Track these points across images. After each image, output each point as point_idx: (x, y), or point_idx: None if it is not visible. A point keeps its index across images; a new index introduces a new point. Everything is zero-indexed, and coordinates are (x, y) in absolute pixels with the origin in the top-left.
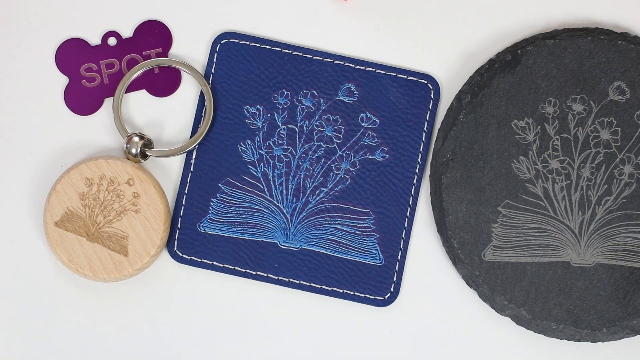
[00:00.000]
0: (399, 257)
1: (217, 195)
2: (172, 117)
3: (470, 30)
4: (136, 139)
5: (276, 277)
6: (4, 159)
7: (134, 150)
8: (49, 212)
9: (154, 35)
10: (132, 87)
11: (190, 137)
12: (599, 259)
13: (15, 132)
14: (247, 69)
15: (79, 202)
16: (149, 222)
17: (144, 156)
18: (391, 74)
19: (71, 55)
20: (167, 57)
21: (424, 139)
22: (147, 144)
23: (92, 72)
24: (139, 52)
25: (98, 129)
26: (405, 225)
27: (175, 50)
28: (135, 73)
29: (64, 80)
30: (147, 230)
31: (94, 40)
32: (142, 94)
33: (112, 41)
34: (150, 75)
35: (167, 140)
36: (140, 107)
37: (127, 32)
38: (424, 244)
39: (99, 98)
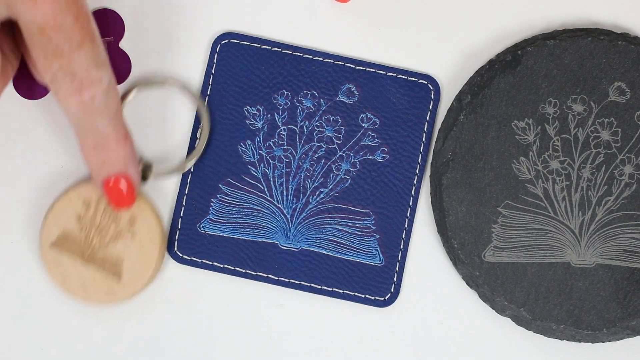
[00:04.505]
0: (399, 258)
1: (218, 195)
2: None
3: (470, 30)
4: None
5: (276, 278)
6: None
7: None
8: (45, 232)
9: (106, 24)
10: None
11: (188, 154)
12: (599, 260)
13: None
14: (248, 69)
15: (76, 224)
16: (144, 247)
17: (143, 179)
18: (391, 74)
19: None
20: (119, 46)
21: (424, 140)
22: (147, 167)
23: None
24: None
25: None
26: (406, 226)
27: (176, 50)
28: (129, 95)
29: None
30: (142, 255)
31: None
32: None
33: None
34: None
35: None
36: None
37: None
38: (424, 244)
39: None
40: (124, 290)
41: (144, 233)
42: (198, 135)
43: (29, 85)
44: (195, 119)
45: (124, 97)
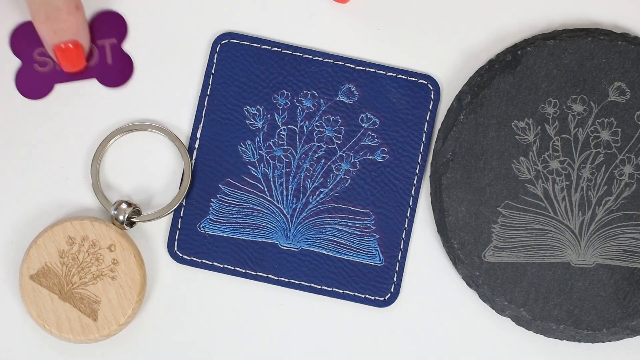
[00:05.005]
0: (399, 258)
1: (217, 195)
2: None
3: (470, 30)
4: (124, 206)
5: (276, 278)
6: None
7: (121, 217)
8: (27, 264)
9: (109, 25)
10: (83, 76)
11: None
12: (599, 260)
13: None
14: (247, 69)
15: (58, 259)
16: (123, 291)
17: (131, 224)
18: (391, 74)
19: (26, 38)
20: (121, 47)
21: (424, 140)
22: (136, 211)
23: (45, 57)
24: (93, 41)
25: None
26: (406, 226)
27: (176, 50)
28: (110, 141)
29: (17, 63)
30: (120, 299)
31: None
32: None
33: None
34: (103, 65)
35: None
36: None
37: None
38: (424, 244)
39: (49, 83)
40: (97, 332)
41: (124, 277)
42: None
43: (31, 84)
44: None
45: (106, 141)
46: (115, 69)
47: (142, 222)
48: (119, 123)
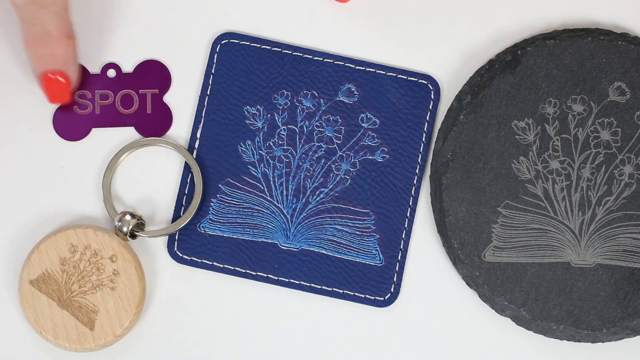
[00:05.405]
0: (399, 258)
1: (217, 195)
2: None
3: (470, 30)
4: (128, 217)
5: (276, 278)
6: None
7: (125, 229)
8: (27, 269)
9: (153, 75)
10: (121, 123)
11: (177, 209)
12: (599, 260)
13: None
14: (248, 69)
15: (59, 266)
16: (122, 302)
17: (133, 236)
18: (391, 74)
19: None
20: (163, 98)
21: (424, 140)
22: (140, 224)
23: (85, 99)
24: (135, 89)
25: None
26: (406, 226)
27: (176, 50)
28: (123, 155)
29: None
30: (118, 310)
31: (94, 69)
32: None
33: (111, 73)
34: (142, 114)
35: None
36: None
37: (128, 67)
38: (424, 244)
39: (86, 127)
40: (93, 341)
41: (124, 288)
42: (185, 191)
43: (68, 127)
44: (182, 175)
45: (119, 155)
46: (153, 119)
47: (145, 237)
48: None
